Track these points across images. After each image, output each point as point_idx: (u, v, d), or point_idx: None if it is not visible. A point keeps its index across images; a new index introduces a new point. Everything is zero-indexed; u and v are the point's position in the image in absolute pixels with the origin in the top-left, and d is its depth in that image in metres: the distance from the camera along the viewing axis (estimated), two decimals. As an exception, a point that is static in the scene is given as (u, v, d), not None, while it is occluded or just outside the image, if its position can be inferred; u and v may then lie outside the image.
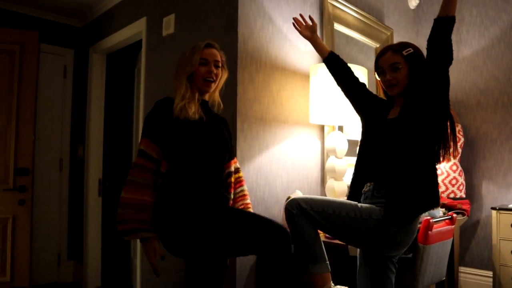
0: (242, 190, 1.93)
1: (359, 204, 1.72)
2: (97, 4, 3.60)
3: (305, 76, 2.64)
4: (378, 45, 3.36)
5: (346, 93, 2.05)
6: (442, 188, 3.47)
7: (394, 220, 1.65)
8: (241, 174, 1.96)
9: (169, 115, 1.67)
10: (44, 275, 3.73)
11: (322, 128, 2.75)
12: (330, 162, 2.51)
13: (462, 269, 3.62)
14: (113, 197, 4.18)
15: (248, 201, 1.93)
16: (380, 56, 1.81)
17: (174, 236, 1.60)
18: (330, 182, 2.52)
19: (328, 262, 1.70)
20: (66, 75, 3.88)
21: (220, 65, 1.79)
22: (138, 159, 1.65)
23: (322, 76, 2.44)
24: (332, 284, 1.68)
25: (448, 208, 3.11)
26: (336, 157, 2.50)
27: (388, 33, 3.43)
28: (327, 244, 2.08)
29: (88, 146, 3.72)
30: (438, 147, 1.72)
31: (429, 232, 2.40)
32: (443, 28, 1.63)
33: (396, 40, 3.55)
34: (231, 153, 1.90)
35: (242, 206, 1.89)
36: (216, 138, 1.73)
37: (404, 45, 1.78)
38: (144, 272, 2.92)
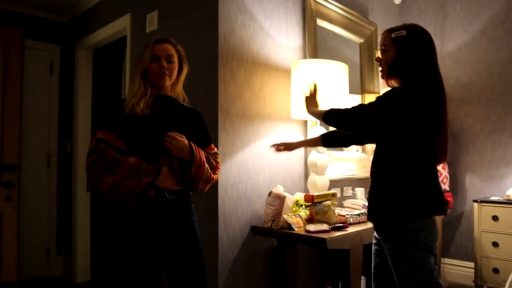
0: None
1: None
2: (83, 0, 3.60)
3: (288, 72, 2.67)
4: (362, 40, 3.39)
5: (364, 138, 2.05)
6: (425, 181, 3.53)
7: (376, 225, 1.67)
8: (216, 160, 1.84)
9: (120, 112, 1.68)
10: (34, 269, 3.76)
11: (305, 123, 2.79)
12: (312, 157, 2.54)
13: (446, 260, 3.69)
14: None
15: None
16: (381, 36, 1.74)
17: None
18: (311, 177, 2.56)
19: None
20: (53, 71, 3.88)
21: (175, 59, 1.78)
22: (98, 144, 1.62)
23: (302, 72, 2.46)
24: None
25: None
26: (318, 152, 2.53)
27: (372, 28, 3.46)
28: (307, 237, 2.12)
29: (76, 142, 3.73)
30: (433, 147, 1.59)
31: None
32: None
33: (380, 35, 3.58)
34: (202, 142, 1.82)
35: None
36: (164, 131, 1.66)
37: (400, 27, 1.65)
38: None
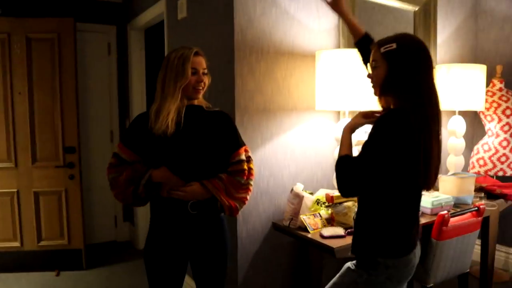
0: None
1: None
2: (130, -19, 3.65)
3: (317, 58, 2.49)
4: (416, 8, 3.00)
5: None
6: (488, 165, 3.16)
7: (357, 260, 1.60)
8: (250, 165, 1.83)
9: (144, 126, 1.73)
10: (104, 234, 4.21)
11: (338, 112, 2.62)
12: (336, 152, 2.40)
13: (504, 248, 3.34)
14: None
15: None
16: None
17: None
18: (337, 173, 2.43)
19: None
20: (111, 52, 4.07)
21: (207, 71, 1.78)
22: (111, 159, 1.81)
23: (326, 61, 2.28)
24: None
25: (487, 192, 2.84)
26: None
27: (431, -8, 3.03)
28: (317, 243, 2.06)
29: (132, 119, 3.94)
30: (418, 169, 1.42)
31: (444, 227, 2.26)
32: None
33: (441, 0, 3.12)
34: (229, 147, 1.79)
35: None
36: (182, 153, 1.72)
37: (390, 39, 1.46)
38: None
